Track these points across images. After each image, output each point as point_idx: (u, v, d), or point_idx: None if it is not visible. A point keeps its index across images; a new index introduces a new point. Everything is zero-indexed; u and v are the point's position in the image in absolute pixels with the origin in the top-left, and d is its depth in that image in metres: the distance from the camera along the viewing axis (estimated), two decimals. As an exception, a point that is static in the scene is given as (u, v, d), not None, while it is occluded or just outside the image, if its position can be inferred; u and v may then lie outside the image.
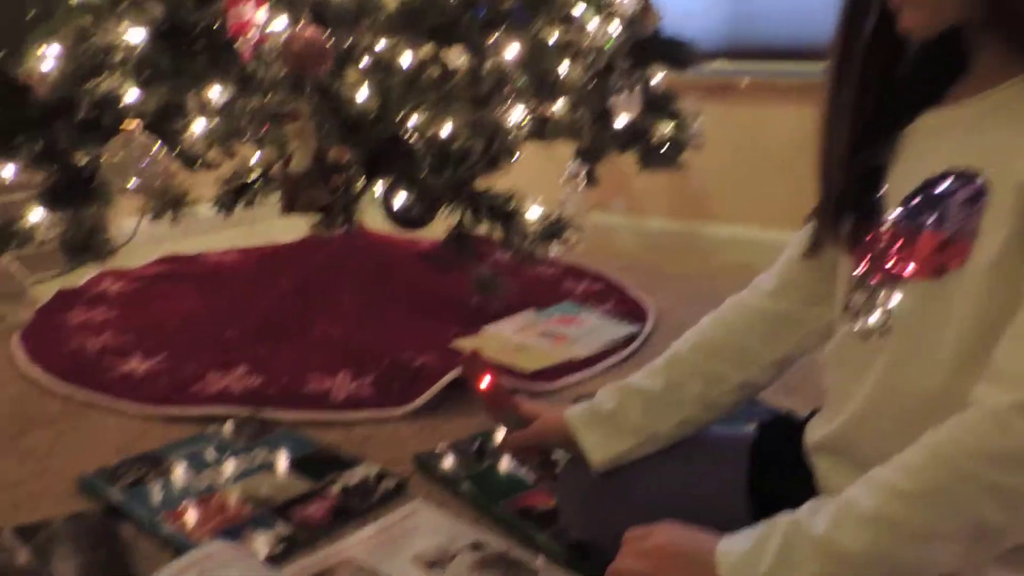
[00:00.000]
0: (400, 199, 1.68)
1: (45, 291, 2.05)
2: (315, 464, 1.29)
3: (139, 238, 2.56)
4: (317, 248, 2.06)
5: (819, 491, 0.80)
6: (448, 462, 1.30)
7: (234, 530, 1.11)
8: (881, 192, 0.73)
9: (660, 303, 2.10)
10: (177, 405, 1.50)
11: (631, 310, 2.05)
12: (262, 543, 1.08)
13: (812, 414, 0.88)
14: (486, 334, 1.87)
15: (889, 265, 0.70)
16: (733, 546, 0.65)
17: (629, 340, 1.85)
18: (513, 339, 1.84)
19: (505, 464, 1.29)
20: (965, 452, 0.60)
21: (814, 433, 0.82)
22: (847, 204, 0.75)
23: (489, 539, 1.10)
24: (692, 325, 0.97)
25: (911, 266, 0.68)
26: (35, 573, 1.01)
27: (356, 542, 1.09)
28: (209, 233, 2.76)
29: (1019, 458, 0.58)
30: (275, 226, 2.60)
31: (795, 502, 0.68)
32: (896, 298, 0.69)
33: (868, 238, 0.73)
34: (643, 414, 0.91)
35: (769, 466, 0.88)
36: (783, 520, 0.65)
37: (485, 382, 1.00)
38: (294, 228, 2.20)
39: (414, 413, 1.49)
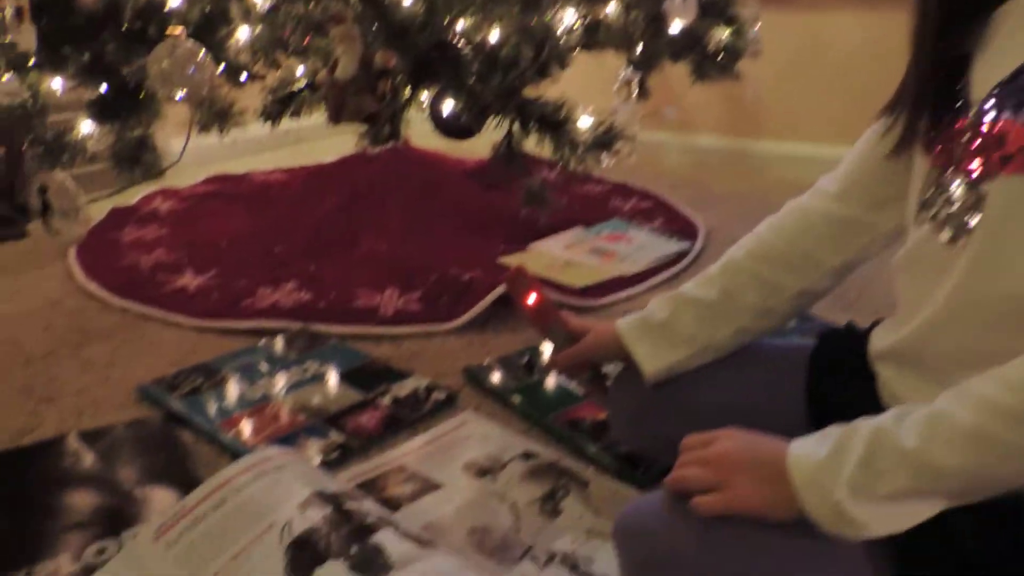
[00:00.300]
0: (448, 107, 1.64)
1: (99, 210, 2.08)
2: (366, 376, 1.31)
3: (187, 158, 2.58)
4: (363, 165, 2.05)
5: (882, 401, 0.78)
6: (497, 375, 1.30)
7: (289, 438, 1.13)
8: (966, 82, 0.68)
9: (710, 221, 2.06)
10: (229, 319, 1.52)
11: (681, 228, 2.01)
12: (316, 450, 1.10)
13: (875, 324, 0.85)
14: (533, 251, 1.85)
15: (974, 160, 0.65)
16: (806, 452, 0.63)
17: (679, 257, 1.82)
18: (561, 256, 1.82)
19: (554, 379, 1.28)
20: None
21: (881, 340, 0.79)
22: (928, 95, 0.70)
23: (540, 449, 1.10)
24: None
25: (1000, 161, 0.63)
26: (99, 476, 1.04)
27: (408, 451, 1.11)
28: (255, 153, 2.77)
29: None
30: (320, 146, 2.60)
31: (855, 413, 0.65)
32: (982, 196, 0.65)
33: (950, 132, 0.68)
34: (697, 323, 0.89)
35: (828, 376, 0.86)
36: (864, 427, 0.62)
37: (531, 299, 0.98)
38: (339, 148, 2.19)
39: (462, 328, 1.49)
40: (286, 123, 2.17)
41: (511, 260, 1.76)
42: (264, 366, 1.33)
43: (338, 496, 0.84)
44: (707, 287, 0.90)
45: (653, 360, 0.90)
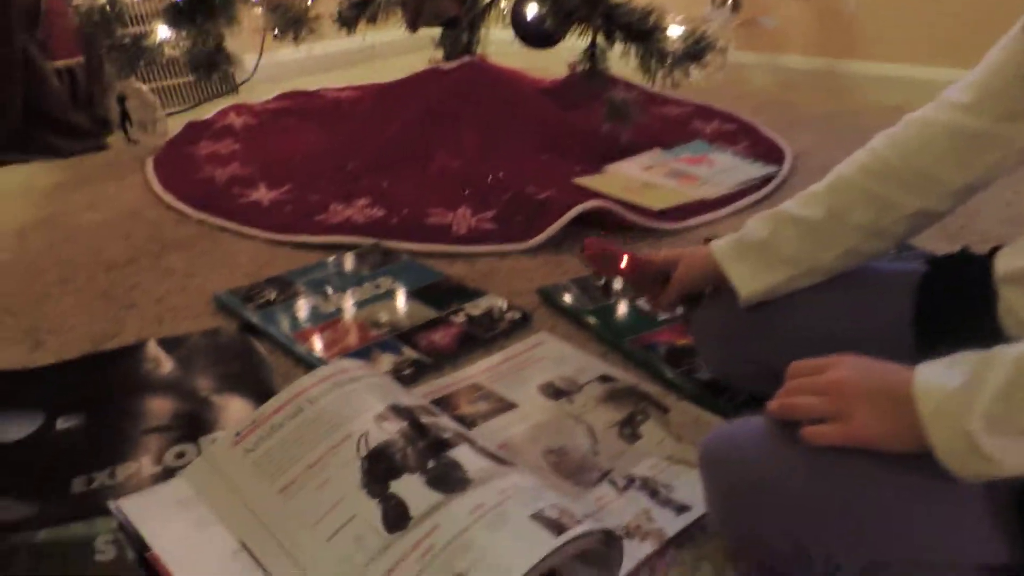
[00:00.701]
0: (531, 11, 1.55)
1: (175, 124, 2.09)
2: (439, 294, 1.29)
3: (260, 75, 2.57)
4: (437, 80, 1.99)
5: (1005, 329, 0.71)
6: (572, 296, 1.26)
7: (361, 352, 1.12)
8: None
9: (798, 146, 1.95)
10: (303, 233, 1.51)
11: (766, 151, 1.91)
12: (388, 366, 1.09)
13: (995, 249, 0.78)
14: (610, 172, 1.79)
15: None
16: (935, 379, 0.57)
17: (765, 181, 1.73)
18: (639, 177, 1.76)
19: (624, 305, 1.24)
20: None
21: (1011, 262, 0.72)
22: None
23: (617, 373, 1.07)
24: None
25: None
26: (178, 382, 1.05)
27: (482, 368, 1.09)
28: (327, 71, 2.74)
29: None
30: (393, 64, 2.54)
31: (972, 341, 0.59)
32: None
33: None
34: (800, 244, 0.83)
35: (942, 300, 0.79)
36: (1006, 354, 0.55)
37: (624, 262, 0.96)
38: (411, 66, 2.13)
39: (537, 248, 1.45)
40: (359, 38, 2.12)
41: (587, 182, 1.71)
42: (338, 281, 1.33)
43: (413, 410, 0.82)
44: (812, 205, 0.83)
45: (750, 282, 0.85)
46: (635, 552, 0.77)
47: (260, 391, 1.00)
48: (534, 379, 1.06)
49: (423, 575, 0.65)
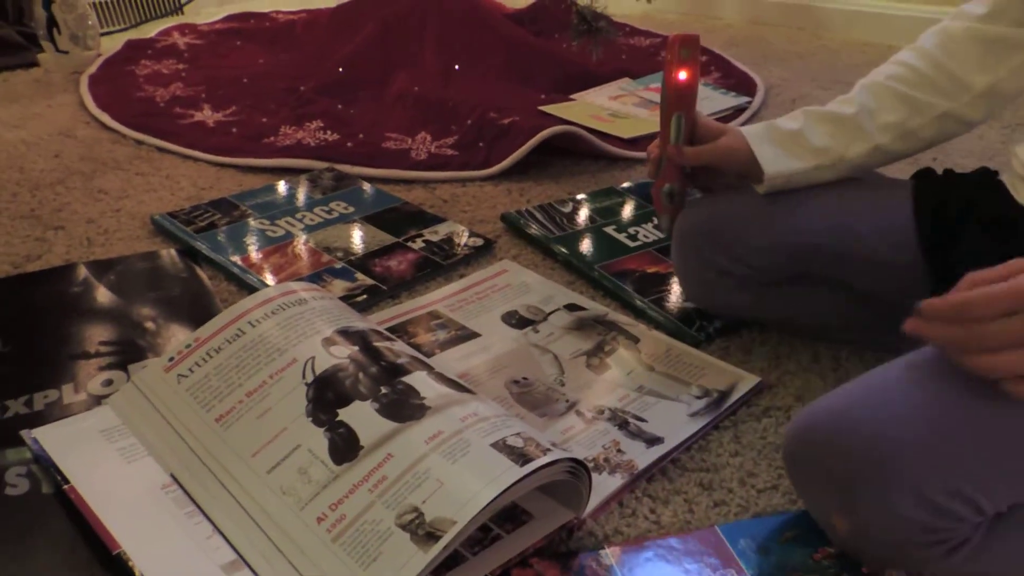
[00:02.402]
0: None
1: (114, 44, 1.95)
2: (397, 219, 1.21)
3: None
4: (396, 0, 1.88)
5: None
6: (539, 223, 1.19)
7: (311, 278, 1.04)
8: None
9: (770, 79, 1.89)
10: (250, 156, 1.41)
11: (738, 83, 1.85)
12: (341, 291, 1.01)
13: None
14: (577, 100, 1.70)
15: None
16: None
17: (738, 112, 1.67)
18: (607, 106, 1.68)
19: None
20: None
21: None
22: None
23: (585, 302, 1.01)
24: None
25: None
26: (109, 307, 0.96)
27: (441, 296, 1.02)
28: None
29: None
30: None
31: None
32: None
33: None
34: (831, 136, 0.81)
35: (936, 192, 0.80)
36: None
37: (683, 74, 0.83)
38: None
39: (500, 176, 1.38)
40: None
41: (553, 109, 1.62)
42: (288, 205, 1.24)
43: (365, 334, 0.75)
44: (843, 104, 0.82)
45: (775, 163, 0.81)
46: (604, 485, 0.71)
47: (200, 317, 0.92)
48: (497, 308, 0.99)
49: (373, 509, 0.59)
